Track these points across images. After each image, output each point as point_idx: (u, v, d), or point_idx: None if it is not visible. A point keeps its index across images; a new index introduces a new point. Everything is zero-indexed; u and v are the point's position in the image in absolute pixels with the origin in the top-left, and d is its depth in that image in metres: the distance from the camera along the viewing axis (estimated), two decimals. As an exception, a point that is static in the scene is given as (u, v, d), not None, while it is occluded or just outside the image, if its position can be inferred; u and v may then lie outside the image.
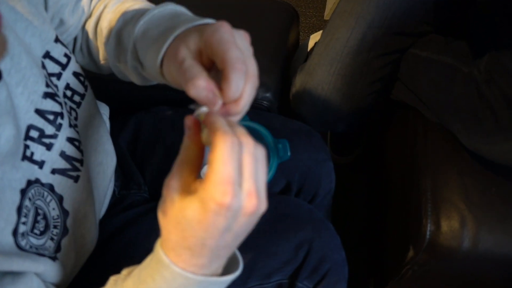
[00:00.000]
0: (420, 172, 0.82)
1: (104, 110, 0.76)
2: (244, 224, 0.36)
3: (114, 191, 0.73)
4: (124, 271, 0.46)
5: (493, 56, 0.74)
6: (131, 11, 0.58)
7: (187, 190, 0.37)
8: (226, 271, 0.43)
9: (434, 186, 0.78)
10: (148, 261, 0.41)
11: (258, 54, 0.93)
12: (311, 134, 0.81)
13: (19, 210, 0.43)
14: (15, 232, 0.42)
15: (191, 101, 0.46)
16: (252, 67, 0.40)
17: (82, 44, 0.65)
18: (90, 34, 0.62)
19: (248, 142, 0.36)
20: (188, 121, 0.38)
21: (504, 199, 0.74)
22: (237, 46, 0.39)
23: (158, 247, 0.40)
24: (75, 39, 0.65)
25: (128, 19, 0.56)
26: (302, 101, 0.94)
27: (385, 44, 0.88)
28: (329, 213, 0.91)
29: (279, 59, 0.97)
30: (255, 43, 0.96)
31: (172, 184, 0.37)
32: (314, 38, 1.15)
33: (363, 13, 0.86)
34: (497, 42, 0.75)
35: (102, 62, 0.63)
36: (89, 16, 0.64)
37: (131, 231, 0.67)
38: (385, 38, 0.87)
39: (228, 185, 0.33)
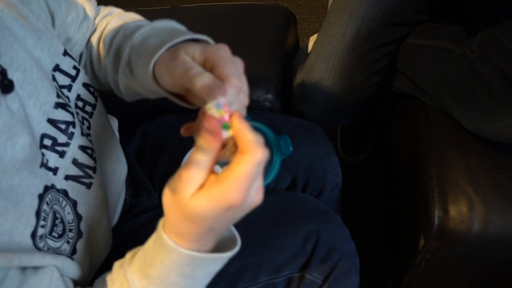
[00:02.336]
0: (425, 158, 0.82)
1: (113, 122, 0.79)
2: (246, 211, 0.40)
3: (125, 199, 0.75)
4: (128, 255, 0.48)
5: (485, 33, 0.74)
6: (132, 26, 0.61)
7: (200, 186, 0.38)
8: (223, 247, 0.46)
9: (439, 172, 0.77)
10: (152, 245, 0.44)
11: (257, 57, 0.97)
12: (312, 129, 0.82)
13: (38, 214, 0.45)
14: (33, 235, 0.44)
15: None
16: (245, 86, 0.43)
17: (86, 60, 0.68)
18: (94, 50, 0.66)
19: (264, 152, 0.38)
20: (210, 124, 0.37)
21: (511, 179, 0.74)
22: (235, 65, 0.42)
23: (163, 233, 0.42)
24: (80, 56, 0.68)
25: (128, 33, 0.60)
26: (303, 99, 0.96)
27: (380, 35, 0.89)
28: (338, 207, 0.91)
29: (278, 61, 0.99)
30: (254, 47, 0.99)
31: (185, 178, 0.38)
32: (314, 39, 1.17)
33: (356, 7, 0.87)
34: (489, 19, 0.75)
35: (103, 77, 0.67)
36: (93, 33, 0.67)
37: (142, 234, 0.68)
38: (380, 29, 0.88)
39: (245, 192, 0.37)
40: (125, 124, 0.84)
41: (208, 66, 0.43)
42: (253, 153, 0.36)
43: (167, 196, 0.40)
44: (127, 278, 0.47)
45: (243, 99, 0.43)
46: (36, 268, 0.45)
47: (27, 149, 0.45)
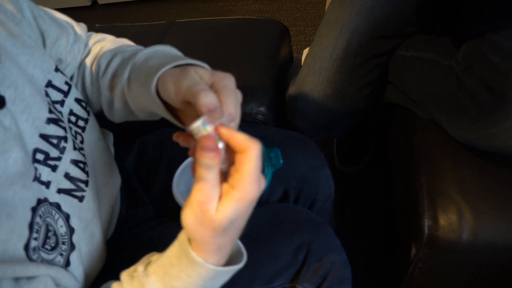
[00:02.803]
0: (417, 169, 0.83)
1: (108, 137, 0.80)
2: None
3: (121, 212, 0.76)
4: (139, 267, 0.50)
5: (470, 45, 0.76)
6: (130, 50, 0.64)
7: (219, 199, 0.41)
8: (233, 259, 0.49)
9: (430, 181, 0.78)
10: (177, 260, 0.47)
11: (251, 70, 0.98)
12: (305, 141, 0.83)
13: (31, 226, 0.46)
14: (26, 247, 0.45)
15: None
16: (238, 115, 0.47)
17: (78, 83, 0.70)
18: (87, 72, 0.68)
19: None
20: (211, 143, 0.40)
21: (500, 187, 0.74)
22: (236, 97, 0.46)
23: (190, 251, 0.45)
24: (71, 79, 0.70)
25: (127, 57, 0.63)
26: (296, 111, 0.97)
27: (370, 48, 0.90)
28: (332, 218, 0.92)
29: (272, 74, 1.00)
30: (247, 60, 1.01)
31: (204, 199, 0.41)
32: (307, 51, 1.19)
33: (346, 21, 0.89)
34: (474, 32, 0.76)
35: (94, 98, 0.69)
36: (86, 56, 0.70)
37: (138, 244, 0.70)
38: (370, 42, 0.89)
39: (258, 183, 0.41)
40: (123, 137, 0.85)
41: (213, 90, 0.46)
42: (251, 149, 0.40)
43: (189, 221, 0.42)
44: None
45: (235, 123, 0.47)
46: (30, 278, 0.45)
47: (19, 163, 0.47)
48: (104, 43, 0.70)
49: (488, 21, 0.75)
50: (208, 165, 0.40)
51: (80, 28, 0.70)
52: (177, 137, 0.49)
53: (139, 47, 0.67)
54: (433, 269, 0.82)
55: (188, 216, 0.42)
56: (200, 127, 0.41)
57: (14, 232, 0.44)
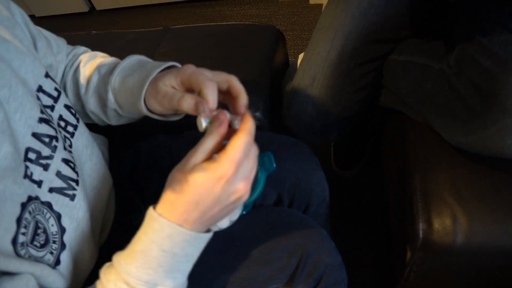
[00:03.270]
0: (410, 172, 0.83)
1: (102, 141, 0.81)
2: (231, 203, 0.47)
3: (115, 217, 0.77)
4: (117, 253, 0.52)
5: (461, 49, 0.76)
6: (104, 66, 0.70)
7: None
8: None
9: (423, 184, 0.78)
10: (140, 227, 0.50)
11: (246, 75, 0.99)
12: (298, 145, 0.83)
13: (19, 221, 0.46)
14: (14, 241, 0.45)
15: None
16: (220, 75, 0.56)
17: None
18: (68, 84, 0.73)
19: (256, 148, 0.49)
20: (223, 116, 0.48)
21: (494, 190, 0.74)
22: (203, 74, 0.54)
23: (150, 208, 0.49)
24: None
25: (101, 77, 0.69)
26: (291, 116, 0.97)
27: (364, 53, 0.90)
28: (327, 221, 0.92)
29: (267, 79, 1.00)
30: (242, 65, 1.01)
31: (191, 156, 0.47)
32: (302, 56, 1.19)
33: (340, 26, 0.89)
34: (464, 36, 0.77)
35: (78, 108, 0.75)
36: (68, 67, 0.74)
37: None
38: (364, 47, 0.90)
39: (234, 164, 0.45)
40: (119, 143, 0.85)
41: (186, 85, 0.56)
42: (241, 134, 0.46)
43: (173, 171, 0.48)
44: (113, 263, 0.50)
45: (223, 75, 0.56)
46: (12, 275, 0.46)
47: (9, 158, 0.47)
48: (82, 56, 0.75)
49: (479, 25, 0.76)
50: (211, 131, 0.47)
51: (61, 41, 0.74)
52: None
53: (111, 62, 0.72)
54: (428, 272, 0.83)
55: (175, 168, 0.48)
56: (203, 122, 0.50)
57: (1, 225, 0.45)
